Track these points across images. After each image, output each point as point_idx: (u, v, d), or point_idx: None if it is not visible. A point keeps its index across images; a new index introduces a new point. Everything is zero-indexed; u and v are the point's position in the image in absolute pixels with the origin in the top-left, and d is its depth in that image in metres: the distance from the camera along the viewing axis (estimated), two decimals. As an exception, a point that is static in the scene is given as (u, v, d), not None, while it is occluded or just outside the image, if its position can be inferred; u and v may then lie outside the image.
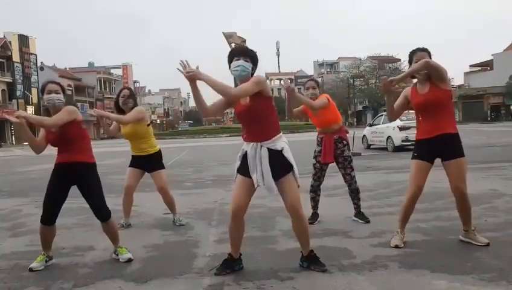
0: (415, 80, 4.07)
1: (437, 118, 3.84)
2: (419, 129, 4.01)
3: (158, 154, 5.23)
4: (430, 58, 3.86)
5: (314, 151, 5.10)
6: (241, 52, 3.39)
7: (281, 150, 3.35)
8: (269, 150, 3.32)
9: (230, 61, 3.42)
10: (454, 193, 3.88)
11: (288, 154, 3.38)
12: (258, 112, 3.34)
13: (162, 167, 5.26)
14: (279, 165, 3.34)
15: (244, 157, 3.40)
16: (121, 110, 5.07)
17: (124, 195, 5.24)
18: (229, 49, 3.45)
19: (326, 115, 4.91)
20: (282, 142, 3.40)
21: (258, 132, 3.35)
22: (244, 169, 3.41)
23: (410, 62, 3.97)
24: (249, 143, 3.36)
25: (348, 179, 5.05)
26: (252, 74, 3.41)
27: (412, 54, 3.94)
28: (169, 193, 5.30)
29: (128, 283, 3.43)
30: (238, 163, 3.46)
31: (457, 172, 3.82)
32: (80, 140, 3.87)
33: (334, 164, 5.07)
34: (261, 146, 3.32)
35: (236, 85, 3.39)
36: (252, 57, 3.40)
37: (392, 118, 4.22)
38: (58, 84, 3.94)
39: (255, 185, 3.36)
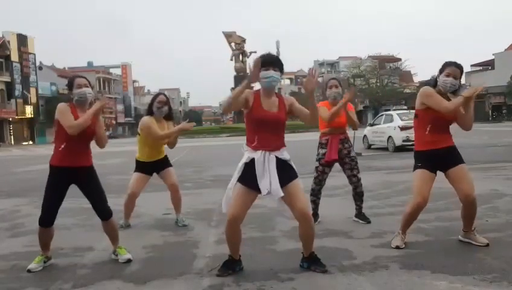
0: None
1: (446, 131, 3.89)
2: (423, 140, 3.88)
3: (166, 158, 5.30)
4: (461, 76, 3.85)
5: (318, 154, 5.01)
6: (270, 63, 3.35)
7: (288, 160, 3.42)
8: (277, 158, 3.36)
9: None
10: (464, 201, 3.81)
11: (293, 165, 3.46)
12: (282, 123, 3.46)
13: (171, 165, 5.32)
14: (286, 172, 3.38)
15: (248, 165, 3.36)
16: (151, 114, 5.03)
17: (127, 200, 5.19)
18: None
19: (341, 117, 4.86)
20: (287, 154, 3.47)
21: (275, 141, 3.39)
22: (247, 178, 3.34)
23: (441, 71, 3.86)
24: (257, 151, 3.35)
25: (355, 181, 4.99)
26: None
27: (446, 65, 3.84)
28: (179, 190, 5.30)
29: (127, 283, 3.41)
30: (239, 172, 3.38)
31: (465, 179, 3.79)
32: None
33: (339, 165, 5.03)
34: (270, 153, 3.34)
35: (236, 84, 3.41)
36: (280, 67, 3.40)
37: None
38: (85, 78, 3.93)
39: (263, 193, 3.31)
